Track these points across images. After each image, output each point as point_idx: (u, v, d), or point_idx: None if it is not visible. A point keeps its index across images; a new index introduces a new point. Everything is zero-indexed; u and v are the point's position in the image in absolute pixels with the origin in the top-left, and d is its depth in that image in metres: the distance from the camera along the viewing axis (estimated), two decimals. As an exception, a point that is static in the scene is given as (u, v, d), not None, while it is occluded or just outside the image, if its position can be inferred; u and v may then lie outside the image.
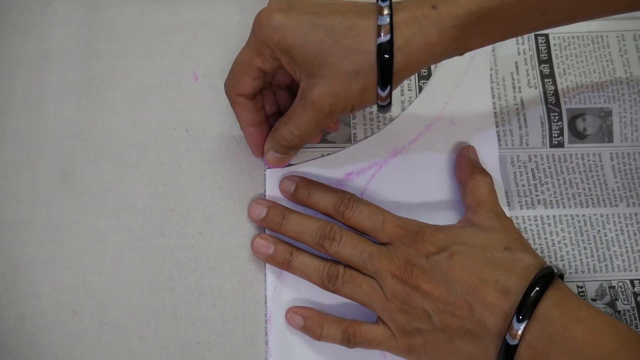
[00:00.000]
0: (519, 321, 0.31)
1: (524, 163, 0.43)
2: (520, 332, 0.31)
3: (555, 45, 0.46)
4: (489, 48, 0.45)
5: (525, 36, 0.46)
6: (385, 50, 0.31)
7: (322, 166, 0.41)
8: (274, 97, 0.39)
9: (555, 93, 0.45)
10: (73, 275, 0.38)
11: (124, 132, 0.41)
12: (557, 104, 0.45)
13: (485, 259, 0.34)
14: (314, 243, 0.37)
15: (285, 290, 0.39)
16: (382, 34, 0.31)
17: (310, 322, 0.37)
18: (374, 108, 0.43)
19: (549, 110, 0.44)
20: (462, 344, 0.33)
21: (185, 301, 0.38)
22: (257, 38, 0.33)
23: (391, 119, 0.43)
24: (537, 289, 0.32)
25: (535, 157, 0.44)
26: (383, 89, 0.33)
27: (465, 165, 0.40)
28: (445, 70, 0.44)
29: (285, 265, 0.37)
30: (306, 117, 0.34)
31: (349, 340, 0.36)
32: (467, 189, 0.39)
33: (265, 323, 0.38)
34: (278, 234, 0.39)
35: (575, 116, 0.45)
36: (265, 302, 0.38)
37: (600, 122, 0.45)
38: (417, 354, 0.35)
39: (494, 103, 0.44)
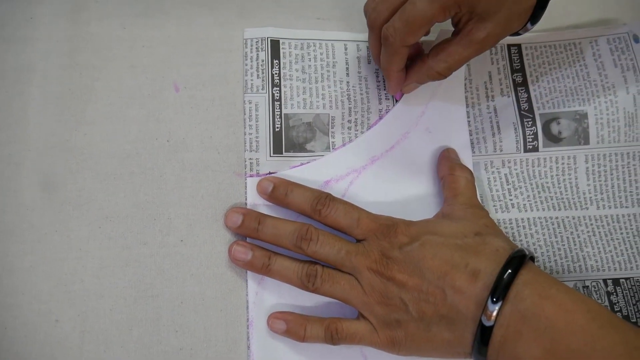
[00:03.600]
0: (494, 302, 0.32)
1: (497, 168, 0.44)
2: (495, 313, 0.32)
3: (527, 55, 0.47)
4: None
5: (499, 47, 0.47)
6: None
7: (301, 174, 0.42)
8: None
9: (528, 100, 0.45)
10: (55, 284, 0.38)
11: (105, 142, 0.41)
12: (530, 110, 0.45)
13: (455, 246, 0.35)
14: (292, 245, 0.37)
15: (266, 295, 0.39)
16: None
17: (292, 325, 0.37)
18: (353, 116, 0.44)
19: (522, 117, 0.45)
20: (438, 330, 0.34)
21: (168, 308, 0.38)
22: None
23: (368, 127, 0.44)
24: (510, 270, 0.33)
25: (509, 162, 0.44)
26: (533, 24, 0.38)
27: (445, 163, 0.42)
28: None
29: (264, 270, 0.38)
30: (465, 54, 0.37)
31: (332, 337, 0.36)
32: (446, 184, 0.41)
33: (247, 328, 0.39)
34: (256, 241, 0.39)
35: (549, 120, 0.45)
36: (247, 308, 0.39)
37: (575, 125, 0.45)
38: (399, 346, 0.35)
39: (467, 112, 0.45)
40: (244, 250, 0.38)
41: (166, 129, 0.42)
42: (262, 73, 0.44)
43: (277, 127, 0.43)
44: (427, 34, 0.38)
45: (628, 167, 0.45)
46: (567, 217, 0.43)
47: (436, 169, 0.43)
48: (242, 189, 0.41)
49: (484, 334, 0.32)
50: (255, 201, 0.41)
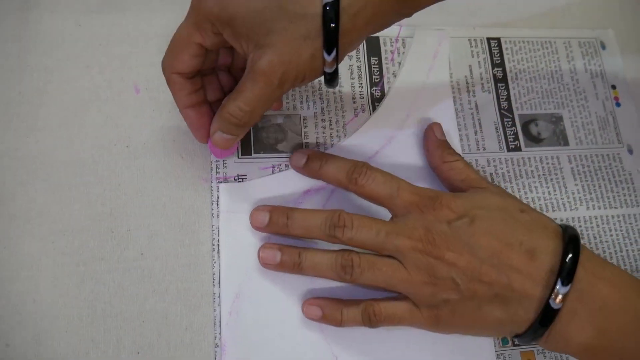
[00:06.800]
0: (564, 285, 0.31)
1: (482, 167, 0.43)
2: (561, 296, 0.31)
3: (507, 49, 0.46)
4: (446, 60, 0.44)
5: (478, 39, 0.46)
6: (330, 12, 0.30)
7: (278, 182, 0.39)
8: (217, 82, 0.37)
9: (508, 98, 0.45)
10: (4, 305, 0.35)
11: (59, 150, 0.38)
12: (510, 109, 0.45)
13: (505, 222, 0.34)
14: (325, 235, 0.35)
15: (242, 315, 0.36)
16: None
17: (328, 310, 0.35)
18: (327, 115, 0.41)
19: (502, 116, 0.44)
20: (490, 309, 0.33)
21: (128, 328, 0.36)
22: (196, 12, 0.32)
23: (344, 125, 0.41)
24: (571, 253, 0.32)
25: (494, 160, 0.43)
26: (329, 53, 0.31)
27: (435, 148, 0.39)
28: (404, 83, 0.43)
29: (296, 268, 0.36)
30: (256, 91, 0.32)
31: (370, 319, 0.34)
32: (444, 173, 0.39)
33: (216, 350, 0.36)
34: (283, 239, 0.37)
35: (528, 122, 0.45)
36: (219, 329, 0.36)
37: (552, 127, 0.45)
38: (443, 324, 0.34)
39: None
40: (272, 253, 0.36)
41: (125, 133, 0.39)
42: (228, 72, 0.41)
43: (245, 129, 0.40)
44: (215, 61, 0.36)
45: (611, 168, 0.45)
46: (556, 219, 0.41)
47: (423, 150, 0.41)
48: (207, 195, 0.39)
49: (546, 316, 0.32)
50: (228, 208, 0.38)
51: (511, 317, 0.32)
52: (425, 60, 0.44)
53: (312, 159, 0.38)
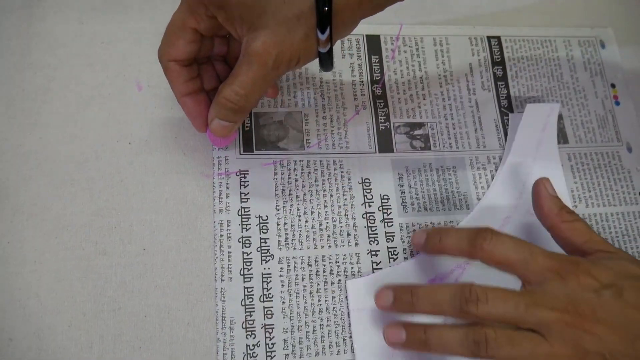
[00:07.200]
0: None
1: (482, 164, 0.43)
2: None
3: (507, 47, 0.47)
4: (555, 131, 0.43)
5: (478, 37, 0.46)
6: None
7: (403, 273, 0.38)
8: (213, 71, 0.37)
9: (508, 97, 0.45)
10: (8, 300, 0.35)
11: (62, 146, 0.39)
12: (510, 107, 0.45)
13: None
14: (456, 311, 0.31)
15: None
16: None
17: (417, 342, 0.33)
18: (328, 112, 0.42)
19: (502, 114, 0.45)
20: None
21: (131, 323, 0.36)
22: None
23: (345, 123, 0.42)
24: None
25: (494, 158, 0.43)
26: (322, 31, 0.31)
27: (550, 205, 0.36)
28: (515, 160, 0.42)
29: (422, 346, 0.33)
30: (251, 73, 0.31)
31: None
32: (563, 233, 0.35)
33: (217, 344, 0.36)
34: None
35: None
36: (220, 322, 0.36)
37: None
38: None
39: (449, 104, 0.44)
40: (397, 331, 0.33)
41: (128, 130, 0.40)
42: (230, 70, 0.41)
43: (247, 127, 0.41)
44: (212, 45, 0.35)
45: (610, 166, 0.45)
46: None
47: (533, 208, 0.37)
48: (209, 191, 0.39)
49: None
50: (357, 306, 0.37)
51: None
52: (535, 135, 0.43)
53: (432, 234, 0.35)
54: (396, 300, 0.34)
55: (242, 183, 0.39)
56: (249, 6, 0.30)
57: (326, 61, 0.33)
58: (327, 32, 0.31)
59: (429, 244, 0.35)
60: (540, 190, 0.36)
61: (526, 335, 0.30)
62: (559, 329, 0.30)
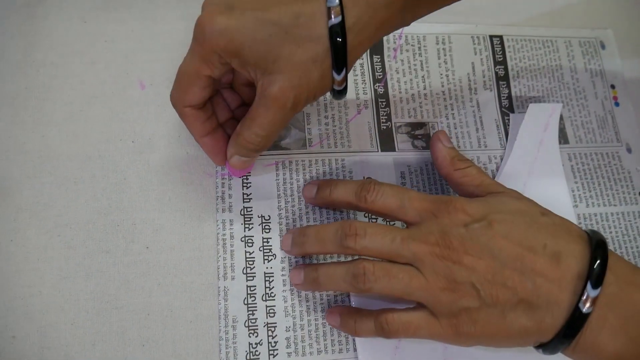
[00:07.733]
0: (594, 288, 0.29)
1: (484, 164, 0.43)
2: (591, 299, 0.29)
3: (509, 47, 0.47)
4: (556, 131, 0.44)
5: (481, 37, 0.46)
6: (337, 33, 0.30)
7: None
8: (223, 101, 0.37)
9: (509, 97, 0.45)
10: (11, 298, 0.35)
11: (65, 144, 0.39)
12: (510, 108, 0.45)
13: (526, 225, 0.32)
14: (338, 247, 0.34)
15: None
16: (332, 16, 0.30)
17: (344, 319, 0.35)
18: (330, 112, 0.42)
19: (503, 114, 0.45)
20: (515, 316, 0.31)
21: (133, 321, 0.36)
22: (201, 46, 0.31)
23: (347, 122, 0.42)
24: (599, 256, 0.30)
25: (495, 158, 0.43)
26: (339, 73, 0.31)
27: (444, 156, 0.38)
28: (516, 160, 0.43)
29: (315, 284, 0.35)
30: (270, 116, 0.32)
31: (382, 328, 0.33)
32: (457, 180, 0.37)
33: (220, 342, 0.36)
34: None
35: None
36: (222, 321, 0.36)
37: None
38: (465, 334, 0.32)
39: (451, 104, 0.44)
40: (296, 272, 0.36)
41: (131, 128, 0.40)
42: (233, 68, 0.41)
43: (249, 126, 0.41)
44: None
45: (610, 167, 0.45)
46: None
47: (432, 161, 0.39)
48: (212, 190, 0.39)
49: (575, 322, 0.30)
50: (360, 304, 0.38)
51: (538, 324, 0.31)
52: (537, 134, 0.43)
53: (322, 187, 0.37)
54: (294, 244, 0.37)
55: (245, 184, 0.39)
56: (264, 52, 0.30)
57: (340, 94, 0.33)
58: (343, 72, 0.31)
59: (320, 197, 0.37)
60: (436, 143, 0.39)
61: (402, 268, 0.32)
62: (431, 261, 0.32)
